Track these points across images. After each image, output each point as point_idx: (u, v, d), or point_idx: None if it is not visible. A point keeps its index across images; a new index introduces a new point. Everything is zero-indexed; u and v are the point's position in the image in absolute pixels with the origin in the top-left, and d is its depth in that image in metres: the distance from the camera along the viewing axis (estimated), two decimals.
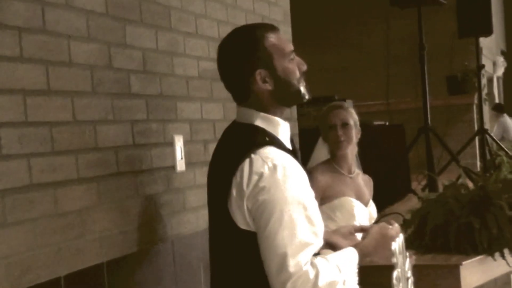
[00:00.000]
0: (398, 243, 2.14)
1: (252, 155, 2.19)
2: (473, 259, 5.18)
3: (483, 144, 8.44)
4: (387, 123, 8.01)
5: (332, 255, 2.25)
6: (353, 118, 3.67)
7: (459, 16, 8.41)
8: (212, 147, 3.37)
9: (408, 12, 7.39)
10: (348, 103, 3.88)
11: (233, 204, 2.20)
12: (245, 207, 2.18)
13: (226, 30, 3.61)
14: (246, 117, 2.34)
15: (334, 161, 3.69)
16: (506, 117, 12.72)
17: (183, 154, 3.18)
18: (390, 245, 2.20)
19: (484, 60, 11.85)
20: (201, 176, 3.19)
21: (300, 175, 2.23)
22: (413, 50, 7.30)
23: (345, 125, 3.62)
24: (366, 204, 3.69)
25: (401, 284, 2.12)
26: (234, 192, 2.18)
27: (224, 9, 3.64)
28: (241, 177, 2.18)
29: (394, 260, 2.12)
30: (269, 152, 2.21)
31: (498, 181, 5.77)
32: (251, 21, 3.92)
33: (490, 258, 5.34)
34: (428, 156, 6.64)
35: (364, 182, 3.74)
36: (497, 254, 5.39)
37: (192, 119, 3.31)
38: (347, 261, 2.23)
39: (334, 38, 10.65)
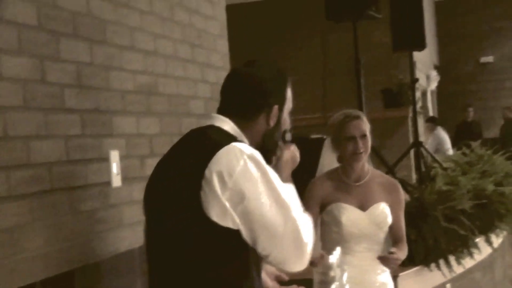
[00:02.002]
0: (336, 257, 2.14)
1: (232, 144, 2.22)
2: (410, 270, 5.27)
3: (418, 156, 8.55)
4: (324, 136, 8.05)
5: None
6: (368, 127, 3.54)
7: (393, 30, 8.52)
8: (149, 162, 3.35)
9: (344, 26, 7.47)
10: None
11: (210, 193, 2.16)
12: (225, 195, 2.16)
13: (162, 44, 3.61)
14: (222, 124, 2.36)
15: (342, 169, 3.59)
16: (440, 130, 12.92)
17: (119, 169, 3.13)
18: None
19: (418, 74, 12.05)
20: (138, 191, 3.14)
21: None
22: (350, 64, 7.37)
23: (364, 136, 3.49)
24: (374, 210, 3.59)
25: None
26: (214, 179, 2.16)
27: (160, 22, 3.61)
28: (221, 164, 2.17)
29: (332, 273, 2.11)
30: (243, 144, 2.26)
31: (433, 192, 5.89)
32: (188, 35, 3.90)
33: (426, 268, 5.44)
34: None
35: (382, 187, 3.58)
36: (433, 265, 5.51)
37: (129, 134, 3.26)
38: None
39: (270, 51, 10.68)
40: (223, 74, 4.33)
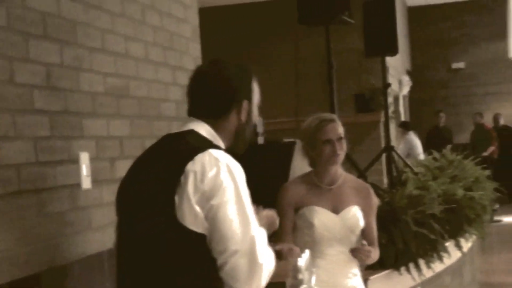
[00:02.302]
0: (304, 259, 2.15)
1: (205, 151, 2.24)
2: (380, 274, 5.30)
3: (389, 161, 8.61)
4: (296, 140, 8.07)
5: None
6: (343, 130, 3.55)
7: (366, 35, 8.57)
8: (119, 164, 3.33)
9: (317, 31, 7.49)
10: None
11: (183, 198, 2.19)
12: (196, 200, 2.19)
13: (133, 46, 3.60)
14: (199, 128, 2.39)
15: (315, 173, 3.59)
16: (411, 135, 13.00)
17: (89, 171, 3.11)
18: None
19: (391, 79, 12.11)
20: (108, 194, 3.13)
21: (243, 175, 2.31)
22: (322, 68, 7.40)
23: (340, 139, 3.51)
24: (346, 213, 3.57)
25: None
26: (189, 184, 2.18)
27: (132, 25, 3.60)
28: (196, 170, 2.20)
29: (300, 276, 2.12)
30: (220, 152, 2.29)
31: (404, 197, 5.92)
32: (160, 37, 3.90)
33: (396, 272, 5.48)
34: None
35: (355, 191, 3.58)
36: (403, 269, 5.55)
37: (99, 136, 3.24)
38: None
39: (242, 55, 10.68)
40: None
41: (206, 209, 2.18)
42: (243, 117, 2.44)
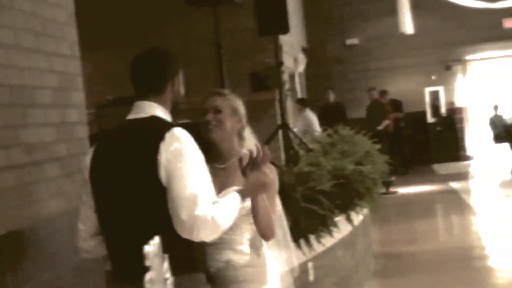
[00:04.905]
0: (152, 245, 2.15)
1: (172, 129, 2.88)
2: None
3: (285, 138, 8.72)
4: (190, 121, 8.04)
5: (221, 200, 3.00)
6: (231, 105, 3.46)
7: (257, 15, 8.61)
8: None
9: (208, 11, 7.46)
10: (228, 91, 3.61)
11: (160, 166, 2.85)
12: (163, 165, 2.84)
13: (2, 34, 3.49)
14: (147, 110, 3.00)
15: (213, 152, 3.45)
16: (308, 111, 13.18)
17: None
18: (266, 189, 3.15)
19: (286, 57, 12.24)
20: None
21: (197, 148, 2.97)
22: (213, 49, 7.39)
23: (218, 112, 3.42)
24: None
25: (155, 287, 2.13)
26: (162, 156, 2.84)
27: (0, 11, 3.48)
28: (166, 142, 2.85)
29: (148, 263, 2.12)
30: (181, 130, 2.91)
31: (293, 174, 6.01)
32: (32, 23, 3.79)
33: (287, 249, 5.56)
34: None
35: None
36: (294, 245, 5.64)
37: None
38: (235, 207, 3.03)
39: (127, 38, 10.55)
40: (72, 63, 4.27)
41: (167, 170, 2.84)
42: (177, 87, 3.07)
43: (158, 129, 2.90)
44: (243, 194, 3.13)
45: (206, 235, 2.87)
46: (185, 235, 2.84)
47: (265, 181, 3.14)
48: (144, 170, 2.88)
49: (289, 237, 3.75)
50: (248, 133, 3.60)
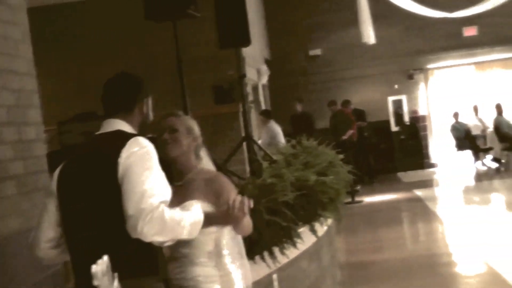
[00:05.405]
0: (101, 265, 2.14)
1: (135, 137, 3.08)
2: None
3: (250, 150, 8.72)
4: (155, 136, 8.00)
5: (181, 211, 3.13)
6: (186, 125, 3.58)
7: (218, 28, 8.61)
8: None
9: (169, 25, 7.44)
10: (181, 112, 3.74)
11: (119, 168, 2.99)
12: (121, 167, 2.99)
13: None
14: (114, 125, 3.18)
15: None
16: (273, 123, 13.17)
17: None
18: (232, 221, 3.25)
19: (249, 69, 12.27)
20: None
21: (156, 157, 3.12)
22: (174, 63, 7.37)
23: (174, 131, 3.52)
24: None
25: None
26: (122, 158, 2.99)
27: None
28: (126, 147, 3.01)
29: (97, 282, 2.11)
30: (144, 139, 3.11)
31: (256, 186, 6.00)
32: None
33: (251, 261, 5.54)
34: None
35: (204, 183, 3.52)
36: (257, 257, 5.62)
37: None
38: (193, 218, 3.14)
39: (92, 54, 10.48)
40: (28, 80, 4.23)
41: (123, 170, 2.99)
42: (145, 109, 3.27)
43: (122, 139, 3.07)
44: (210, 219, 3.26)
45: (151, 231, 2.91)
46: (132, 231, 2.89)
47: (241, 219, 3.28)
48: (107, 179, 3.01)
49: (244, 254, 3.77)
50: (204, 153, 3.71)
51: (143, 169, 2.99)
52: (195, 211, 3.22)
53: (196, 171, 3.60)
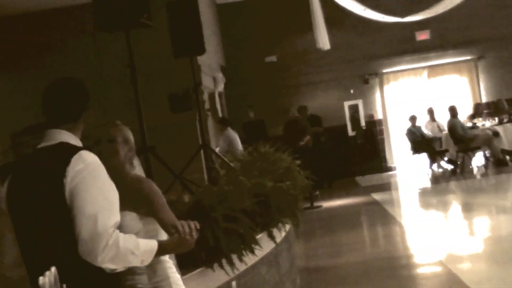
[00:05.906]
0: (49, 277, 2.12)
1: (78, 152, 2.95)
2: (192, 272, 5.33)
3: (206, 158, 8.72)
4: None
5: (135, 238, 3.03)
6: (123, 135, 3.65)
7: (172, 37, 8.61)
8: None
9: (121, 35, 7.41)
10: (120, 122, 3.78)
11: (66, 189, 2.90)
12: (68, 186, 2.90)
13: None
14: (57, 137, 3.06)
15: None
16: (230, 130, 13.21)
17: None
18: (185, 248, 3.22)
19: (204, 77, 12.26)
20: None
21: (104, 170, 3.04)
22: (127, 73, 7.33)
23: (111, 141, 3.58)
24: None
25: None
26: (68, 178, 2.90)
27: None
28: (71, 165, 2.91)
29: None
30: (88, 153, 2.99)
31: (213, 194, 6.00)
32: None
33: (209, 269, 5.54)
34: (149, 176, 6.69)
35: (129, 191, 3.50)
36: (215, 265, 5.62)
37: None
38: (147, 246, 3.07)
39: (45, 64, 10.38)
40: None
41: (71, 193, 2.89)
42: (89, 119, 3.16)
43: (65, 154, 2.96)
44: (164, 248, 3.23)
45: (105, 259, 2.86)
46: (84, 255, 2.84)
47: (192, 244, 3.28)
48: (53, 197, 2.92)
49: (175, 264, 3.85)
50: (137, 162, 3.81)
51: (91, 189, 2.91)
52: (149, 240, 3.18)
53: (128, 180, 3.64)
